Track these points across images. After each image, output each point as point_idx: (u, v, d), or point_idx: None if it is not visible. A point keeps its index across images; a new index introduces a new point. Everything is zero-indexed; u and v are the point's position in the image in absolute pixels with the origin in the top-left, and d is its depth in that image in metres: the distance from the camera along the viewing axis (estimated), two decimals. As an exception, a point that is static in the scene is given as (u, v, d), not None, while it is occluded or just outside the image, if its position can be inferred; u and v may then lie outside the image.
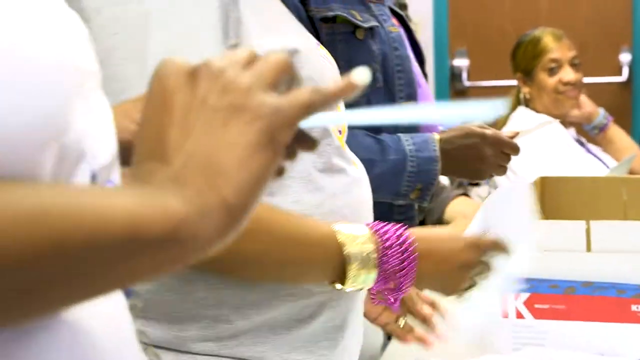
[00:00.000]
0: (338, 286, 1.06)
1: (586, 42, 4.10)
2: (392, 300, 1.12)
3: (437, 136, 1.62)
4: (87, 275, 0.55)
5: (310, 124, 0.63)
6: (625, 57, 4.43)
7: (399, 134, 1.61)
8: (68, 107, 0.58)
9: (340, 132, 1.16)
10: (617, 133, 3.32)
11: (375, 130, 1.60)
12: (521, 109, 3.24)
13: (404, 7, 1.92)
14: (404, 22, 1.82)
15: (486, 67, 4.45)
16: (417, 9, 3.77)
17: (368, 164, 1.24)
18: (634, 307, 1.51)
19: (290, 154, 0.65)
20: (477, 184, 2.83)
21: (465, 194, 2.45)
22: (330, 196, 1.10)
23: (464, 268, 1.16)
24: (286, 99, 0.61)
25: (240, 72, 0.62)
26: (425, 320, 1.38)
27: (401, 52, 1.67)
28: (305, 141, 0.65)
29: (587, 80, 3.34)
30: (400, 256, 1.09)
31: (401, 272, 1.09)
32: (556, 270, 1.55)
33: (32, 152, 0.56)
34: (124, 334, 0.67)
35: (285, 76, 0.64)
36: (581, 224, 1.56)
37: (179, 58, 0.63)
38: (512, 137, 1.65)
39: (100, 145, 0.64)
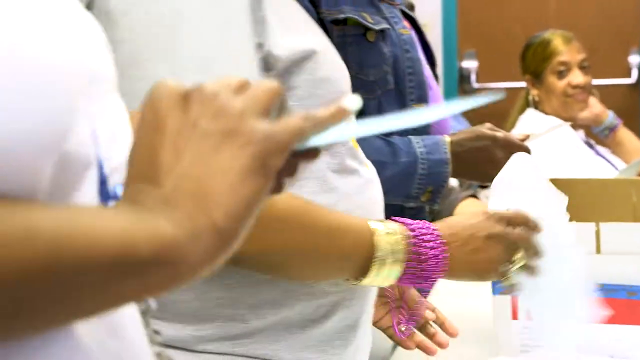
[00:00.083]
0: (355, 281, 1.07)
1: (595, 44, 4.10)
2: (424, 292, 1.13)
3: (448, 138, 1.63)
4: (76, 296, 0.56)
5: (313, 143, 0.63)
6: (634, 59, 4.42)
7: (410, 136, 1.61)
8: (70, 110, 0.58)
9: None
10: (626, 135, 3.32)
11: (385, 133, 1.60)
12: (530, 111, 3.24)
13: (411, 7, 1.92)
14: (415, 24, 1.82)
15: (495, 69, 4.45)
16: (426, 10, 3.77)
17: (379, 167, 1.24)
18: (644, 309, 1.51)
19: (291, 169, 0.65)
20: (486, 186, 2.83)
21: (474, 196, 2.45)
22: (344, 196, 1.11)
23: (492, 239, 1.14)
24: (278, 125, 0.61)
25: (232, 97, 0.62)
26: (426, 326, 1.38)
27: (412, 54, 1.67)
28: (305, 155, 0.65)
29: (596, 82, 3.34)
30: (430, 248, 1.09)
31: (431, 263, 1.10)
32: (566, 272, 1.54)
33: (30, 157, 0.56)
34: (134, 343, 0.68)
35: (277, 103, 0.63)
36: (591, 226, 1.56)
37: (172, 81, 0.63)
38: (523, 140, 1.65)
39: (113, 147, 0.64)
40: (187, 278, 0.59)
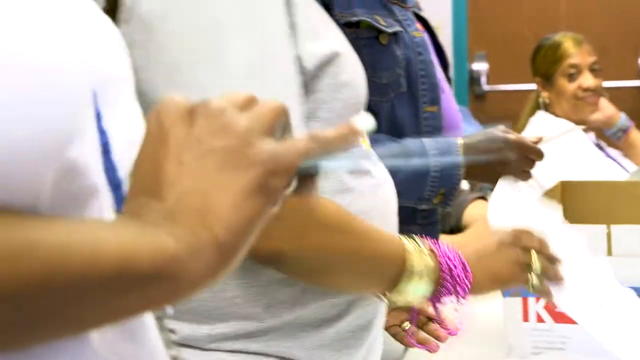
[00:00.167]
0: (388, 294, 1.09)
1: (606, 46, 4.09)
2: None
3: (460, 140, 1.63)
4: (76, 310, 0.55)
5: (320, 164, 0.63)
6: (645, 62, 4.41)
7: (423, 139, 1.62)
8: (73, 115, 0.57)
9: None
10: (638, 137, 3.31)
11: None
12: (540, 114, 3.24)
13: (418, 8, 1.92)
14: (427, 26, 1.82)
15: (505, 71, 4.44)
16: (436, 12, 3.77)
17: (392, 169, 1.25)
18: (655, 312, 1.51)
19: (304, 189, 0.64)
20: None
21: (483, 197, 2.45)
22: (359, 197, 1.11)
23: (504, 246, 1.17)
24: (283, 146, 0.61)
25: (238, 115, 0.61)
26: (428, 323, 1.40)
27: (425, 57, 1.67)
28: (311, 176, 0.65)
29: (606, 84, 3.33)
30: (455, 271, 1.12)
31: (458, 284, 1.12)
32: (577, 275, 1.55)
33: (31, 163, 0.55)
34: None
35: (282, 123, 0.63)
36: (602, 228, 1.57)
37: (179, 96, 0.62)
38: (536, 143, 1.65)
39: (129, 150, 0.64)
40: (188, 293, 0.59)
